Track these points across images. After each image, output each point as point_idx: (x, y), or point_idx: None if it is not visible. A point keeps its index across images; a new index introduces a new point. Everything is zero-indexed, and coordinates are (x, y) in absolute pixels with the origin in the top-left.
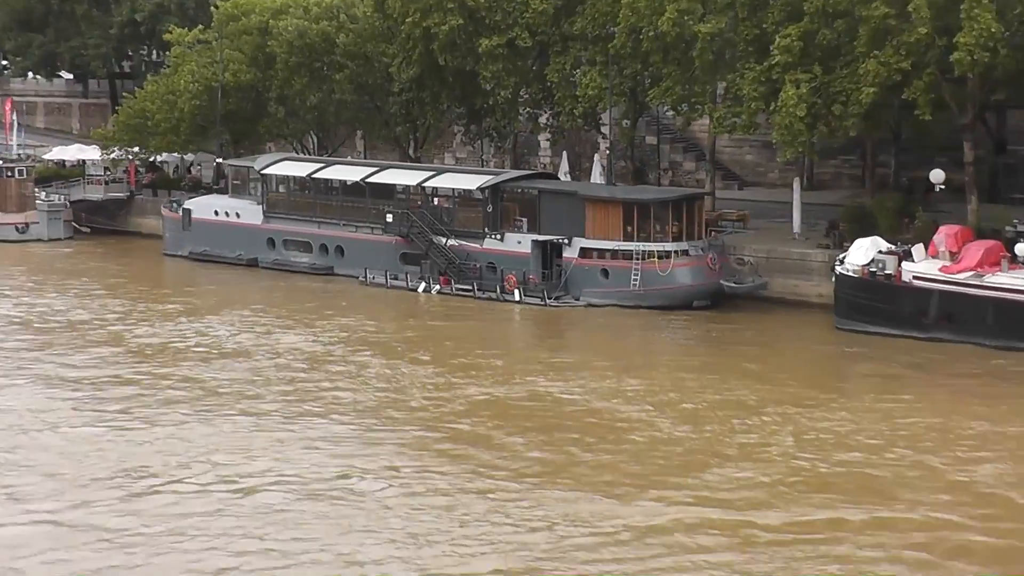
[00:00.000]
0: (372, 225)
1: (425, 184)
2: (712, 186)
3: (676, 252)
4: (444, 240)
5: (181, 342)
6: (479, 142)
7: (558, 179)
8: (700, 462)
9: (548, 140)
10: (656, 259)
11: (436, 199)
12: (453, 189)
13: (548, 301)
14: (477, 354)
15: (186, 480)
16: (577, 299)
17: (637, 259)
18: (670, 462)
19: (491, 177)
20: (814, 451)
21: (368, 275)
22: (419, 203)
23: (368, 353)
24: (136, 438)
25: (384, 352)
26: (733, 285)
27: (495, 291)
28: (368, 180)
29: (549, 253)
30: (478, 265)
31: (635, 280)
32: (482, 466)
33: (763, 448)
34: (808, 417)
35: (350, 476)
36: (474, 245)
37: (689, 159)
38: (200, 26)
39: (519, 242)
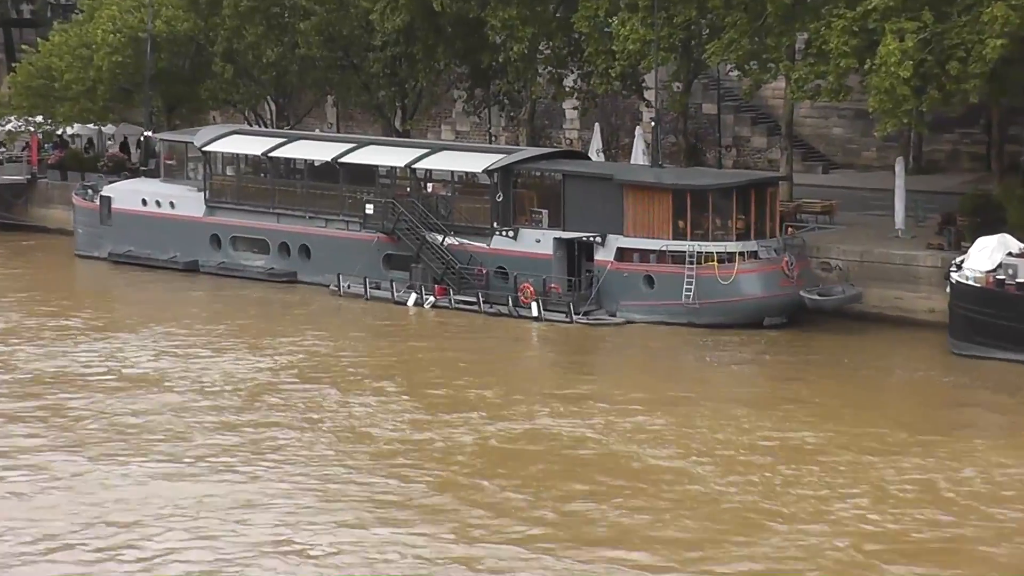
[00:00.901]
0: (347, 218)
1: (416, 165)
2: (789, 168)
3: (742, 254)
4: (440, 238)
5: (86, 368)
6: (485, 111)
7: (588, 159)
8: (751, 523)
9: (575, 109)
10: (716, 263)
11: (430, 185)
12: (452, 172)
13: (575, 317)
14: (473, 384)
15: (65, 558)
16: (612, 315)
17: (691, 263)
18: (712, 523)
19: (501, 156)
20: (902, 510)
21: (342, 283)
22: (408, 190)
23: (328, 383)
24: (13, 490)
25: (350, 383)
26: (816, 297)
27: (506, 304)
28: (342, 160)
29: (576, 255)
30: (484, 271)
31: (688, 291)
32: (470, 526)
33: (833, 505)
34: (898, 467)
35: (292, 548)
36: (479, 245)
37: (759, 133)
38: None
39: (538, 241)
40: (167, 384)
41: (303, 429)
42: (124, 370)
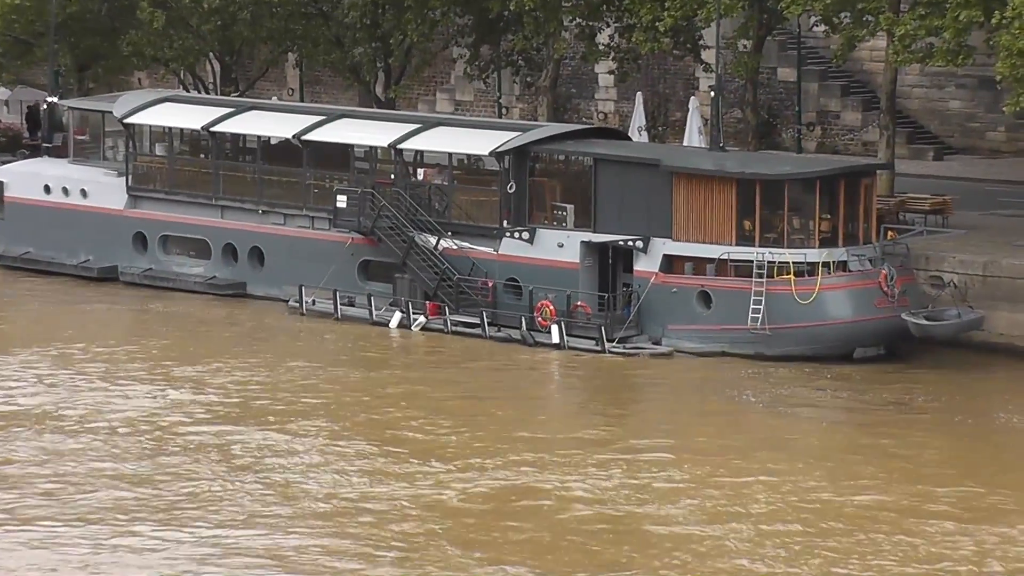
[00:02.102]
0: (312, 213)
1: (402, 146)
2: (890, 153)
3: (826, 265)
4: (434, 241)
5: None
6: (494, 76)
7: (628, 139)
8: None
9: (611, 74)
10: (792, 276)
11: (421, 171)
12: (450, 155)
13: (608, 346)
14: (459, 428)
15: None
16: (657, 342)
17: (760, 276)
18: None
19: (514, 135)
20: None
21: (304, 298)
22: (392, 178)
23: (265, 424)
24: None
25: (295, 423)
26: (923, 322)
27: (519, 327)
28: (306, 138)
29: (611, 265)
30: (491, 283)
31: (756, 312)
32: None
33: None
34: (992, 533)
35: None
36: (484, 250)
37: (851, 107)
38: None
39: (560, 245)
40: (53, 423)
41: (223, 482)
42: None
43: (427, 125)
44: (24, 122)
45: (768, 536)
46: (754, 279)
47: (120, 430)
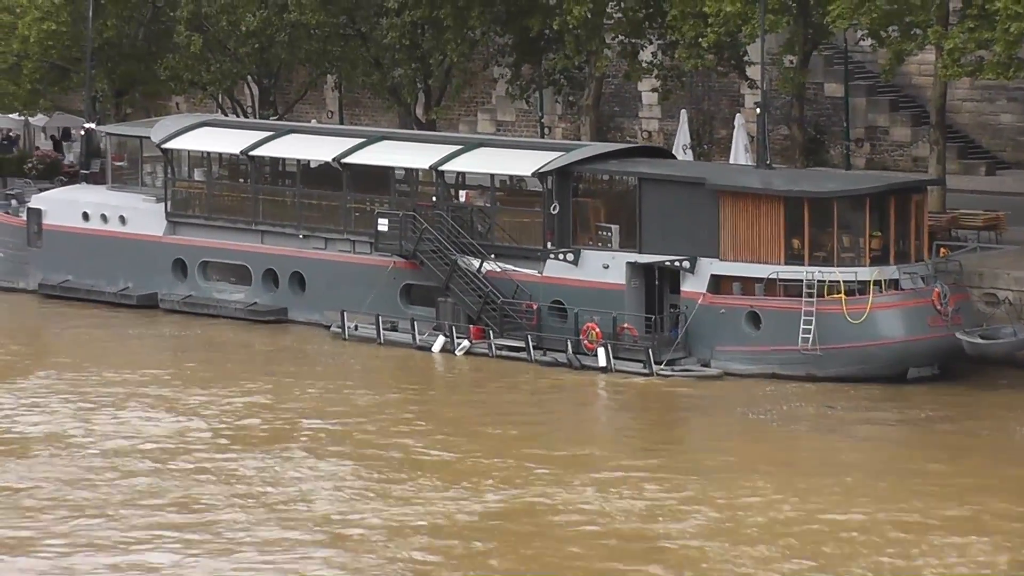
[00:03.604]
0: (353, 237)
1: (444, 167)
2: (941, 169)
3: (878, 283)
4: (477, 263)
5: None
6: (536, 95)
7: (672, 157)
8: None
9: (655, 91)
10: (843, 296)
11: (463, 193)
12: (492, 176)
13: (655, 368)
14: (494, 451)
15: None
16: (705, 365)
17: (810, 296)
18: None
19: (557, 155)
20: None
21: (347, 323)
22: (433, 200)
23: (298, 450)
24: None
25: (324, 446)
26: (978, 341)
27: (564, 351)
28: (346, 160)
29: (658, 286)
30: (535, 306)
31: (806, 332)
32: None
33: None
34: None
35: None
36: (528, 272)
37: (901, 122)
38: None
39: (606, 266)
40: (66, 444)
41: (241, 506)
42: (20, 429)
43: (468, 146)
44: (54, 147)
45: (813, 557)
46: (804, 299)
47: (156, 457)
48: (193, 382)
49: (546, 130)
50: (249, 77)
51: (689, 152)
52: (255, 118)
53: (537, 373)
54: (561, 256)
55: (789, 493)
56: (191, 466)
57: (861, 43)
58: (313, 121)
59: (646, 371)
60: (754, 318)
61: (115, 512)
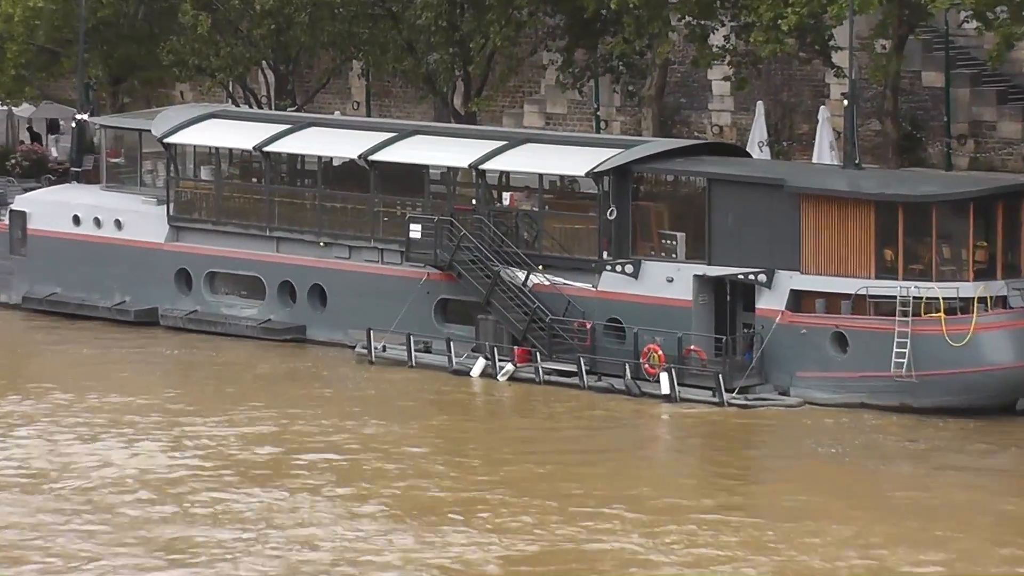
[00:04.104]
0: (382, 245)
1: (485, 166)
2: None
3: (983, 301)
4: (522, 276)
5: None
6: (590, 84)
7: (747, 155)
8: None
9: (727, 80)
10: (943, 314)
11: (507, 195)
12: (540, 176)
13: (726, 397)
14: (534, 488)
15: None
16: (784, 392)
17: (905, 314)
18: None
19: (614, 152)
20: None
21: (373, 343)
22: (473, 203)
23: (315, 484)
24: None
25: (350, 483)
26: None
27: (622, 375)
28: (374, 158)
29: (729, 302)
30: (589, 325)
31: (901, 356)
32: None
33: None
34: None
35: None
36: (581, 286)
37: (1010, 116)
38: None
39: (670, 280)
40: (71, 484)
41: (237, 549)
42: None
43: (513, 142)
44: (39, 141)
45: None
46: (897, 318)
47: (141, 494)
48: (192, 410)
49: (602, 124)
50: (264, 63)
51: (766, 150)
52: (270, 109)
53: (590, 401)
54: (619, 268)
55: (863, 541)
56: (178, 507)
57: (964, 25)
58: (336, 113)
59: (715, 400)
60: (840, 340)
61: (94, 554)
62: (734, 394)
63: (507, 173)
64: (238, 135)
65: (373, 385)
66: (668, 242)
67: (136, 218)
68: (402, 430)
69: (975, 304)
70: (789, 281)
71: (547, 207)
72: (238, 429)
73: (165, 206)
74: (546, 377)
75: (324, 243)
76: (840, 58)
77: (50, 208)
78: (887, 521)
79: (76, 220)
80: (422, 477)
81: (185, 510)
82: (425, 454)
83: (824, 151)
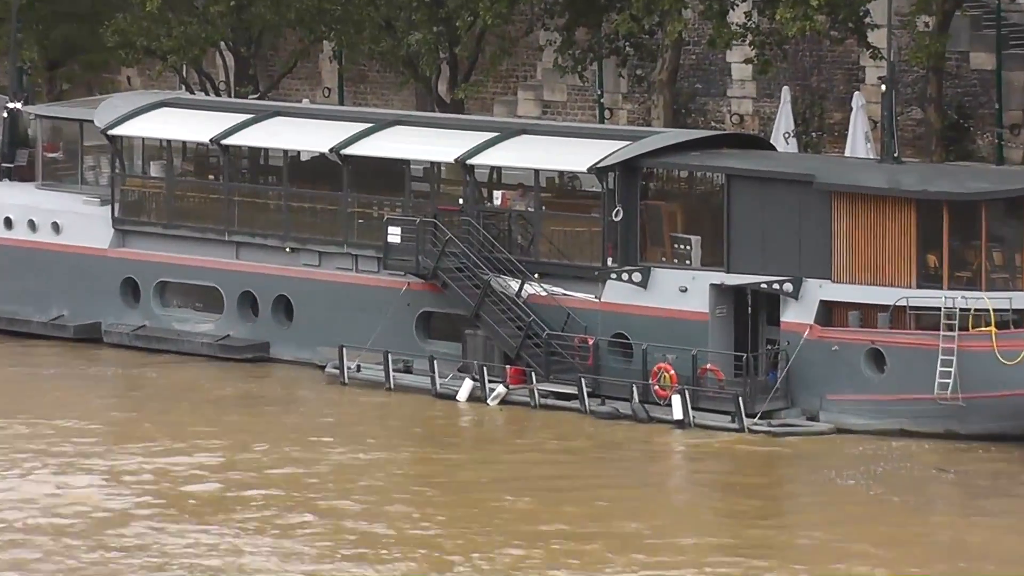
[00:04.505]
0: (356, 251)
1: (474, 161)
2: None
3: None
4: (516, 285)
5: None
6: (593, 68)
7: (771, 148)
8: None
9: (749, 63)
10: (994, 329)
11: (498, 194)
12: (536, 172)
13: (747, 423)
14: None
15: None
16: (813, 418)
17: (950, 329)
18: None
19: (621, 145)
20: None
21: (347, 362)
22: (461, 203)
23: (230, 522)
24: None
25: (314, 527)
26: None
27: (629, 398)
28: (348, 152)
29: (751, 314)
30: (592, 341)
31: (946, 376)
32: None
33: None
34: None
35: None
36: (583, 297)
37: None
38: None
39: (683, 289)
40: None
41: None
42: None
43: (506, 134)
44: None
45: None
46: (942, 333)
47: (64, 532)
48: (134, 438)
49: (607, 113)
50: (222, 44)
51: (793, 142)
52: (229, 97)
53: (593, 428)
54: (625, 276)
55: None
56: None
57: (1018, 0)
58: (305, 101)
59: (735, 426)
60: (877, 357)
61: None
62: (756, 420)
63: (499, 169)
64: (192, 126)
65: (344, 410)
66: (681, 247)
67: (76, 221)
68: (370, 460)
69: None
70: (819, 291)
71: (544, 207)
72: (183, 460)
73: (109, 207)
74: (543, 400)
75: (290, 249)
76: (877, 37)
77: None
78: (926, 565)
79: (8, 223)
80: (380, 517)
81: (110, 552)
82: (394, 488)
83: (859, 143)
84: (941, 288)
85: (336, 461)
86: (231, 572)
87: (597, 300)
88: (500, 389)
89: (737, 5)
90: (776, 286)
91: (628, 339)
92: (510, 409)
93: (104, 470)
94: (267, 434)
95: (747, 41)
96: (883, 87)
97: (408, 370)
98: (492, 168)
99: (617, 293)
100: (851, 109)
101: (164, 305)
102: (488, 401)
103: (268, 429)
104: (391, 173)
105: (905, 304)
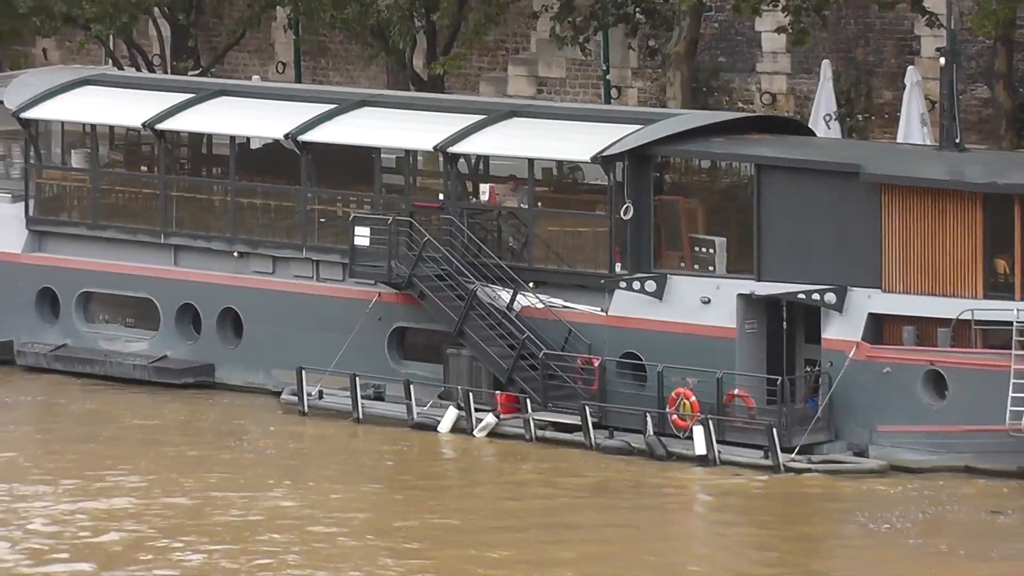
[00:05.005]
0: (316, 256)
1: (456, 148)
2: None
3: None
4: (507, 297)
5: None
6: (596, 38)
7: (809, 133)
8: None
9: (782, 32)
10: None
11: (486, 188)
12: (531, 161)
13: (783, 459)
14: None
15: None
16: (861, 454)
17: None
18: None
19: (631, 130)
20: None
21: (306, 387)
22: (441, 198)
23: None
24: None
25: None
26: None
27: (642, 431)
28: (306, 138)
29: (787, 330)
30: (597, 362)
31: (1020, 404)
32: None
33: None
34: None
35: None
36: (587, 310)
37: None
38: None
39: (706, 300)
40: None
41: None
42: None
43: (494, 117)
44: None
45: None
46: (1014, 352)
47: None
48: (42, 478)
49: (614, 92)
50: (157, 11)
51: (835, 125)
52: (165, 73)
53: (598, 465)
54: (637, 285)
55: None
56: None
57: None
58: (255, 78)
59: (768, 463)
60: (936, 381)
61: None
62: (793, 455)
63: (486, 158)
64: (122, 108)
65: (303, 445)
66: (703, 250)
67: None
68: (333, 505)
69: None
70: (867, 302)
71: (540, 204)
72: (96, 505)
73: (23, 204)
74: (539, 432)
75: (239, 253)
76: (934, 2)
77: None
78: None
79: None
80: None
81: None
82: (359, 539)
83: (913, 127)
84: (1013, 299)
85: (290, 507)
86: None
87: (604, 313)
88: (489, 419)
89: None
90: (816, 296)
91: (641, 360)
92: (501, 443)
93: (2, 514)
94: (207, 474)
95: (780, 6)
96: (942, 60)
97: (380, 397)
98: (478, 157)
99: (627, 305)
100: (904, 87)
101: (88, 320)
102: (475, 433)
103: (208, 468)
104: (358, 163)
105: (970, 318)
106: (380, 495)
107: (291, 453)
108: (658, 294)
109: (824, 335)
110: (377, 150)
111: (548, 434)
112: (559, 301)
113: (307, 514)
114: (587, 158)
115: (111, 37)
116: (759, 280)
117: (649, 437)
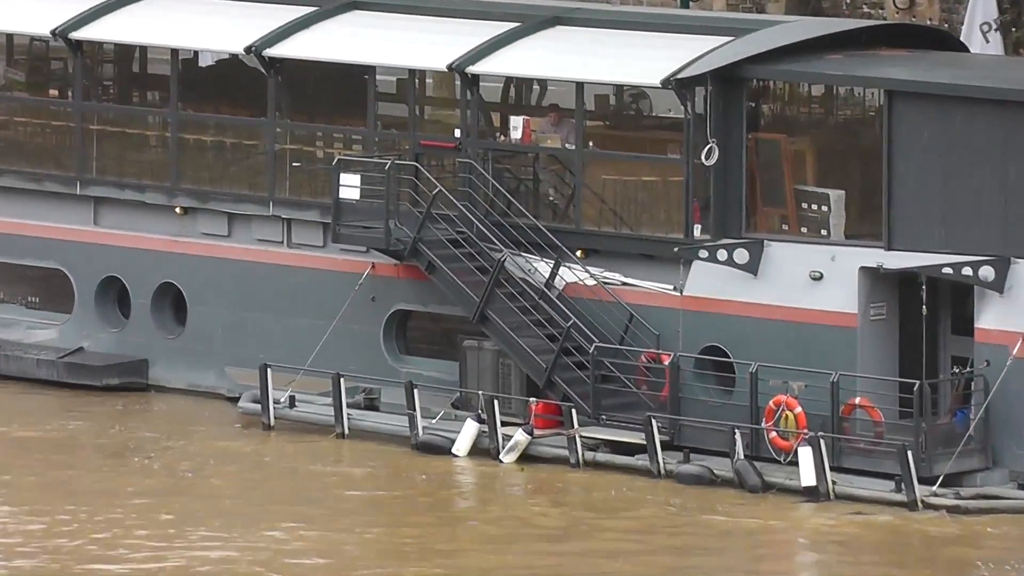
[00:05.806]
0: (287, 212)
1: (476, 68)
2: None
3: None
4: (547, 271)
5: None
6: None
7: (961, 48)
8: None
9: None
10: None
11: (518, 121)
12: (579, 85)
13: (921, 493)
14: None
15: None
16: None
17: None
18: None
19: (715, 43)
20: None
21: (272, 391)
22: (457, 136)
23: None
24: None
25: None
26: None
27: (729, 454)
28: (273, 52)
29: (928, 317)
30: (667, 359)
31: None
32: None
33: None
34: None
35: None
36: (655, 287)
37: None
38: None
39: (817, 276)
40: None
41: None
42: None
43: (530, 25)
44: None
45: None
46: None
47: None
48: None
49: None
50: None
51: (995, 37)
52: None
53: (671, 499)
54: (723, 255)
55: None
56: None
57: None
58: None
59: (902, 499)
60: None
61: None
62: (936, 488)
63: (519, 81)
64: (23, 12)
65: (266, 471)
66: (814, 207)
67: None
68: (306, 551)
69: None
70: None
71: (591, 144)
72: (34, 548)
73: None
74: (589, 455)
75: (182, 209)
76: None
77: None
78: None
79: None
80: None
81: None
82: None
83: None
84: None
85: (244, 552)
86: None
87: (677, 293)
88: (520, 437)
89: None
90: (968, 271)
91: (728, 357)
92: (535, 468)
93: None
94: (113, 515)
95: None
96: None
97: (371, 405)
98: (508, 80)
99: (709, 282)
100: None
101: None
102: (501, 457)
103: (119, 503)
104: (345, 88)
105: None
106: (370, 537)
107: (245, 487)
108: (752, 267)
109: (978, 324)
110: (371, 69)
111: (601, 457)
112: (617, 276)
113: (268, 560)
114: (656, 81)
115: None
116: (889, 249)
117: (739, 462)
